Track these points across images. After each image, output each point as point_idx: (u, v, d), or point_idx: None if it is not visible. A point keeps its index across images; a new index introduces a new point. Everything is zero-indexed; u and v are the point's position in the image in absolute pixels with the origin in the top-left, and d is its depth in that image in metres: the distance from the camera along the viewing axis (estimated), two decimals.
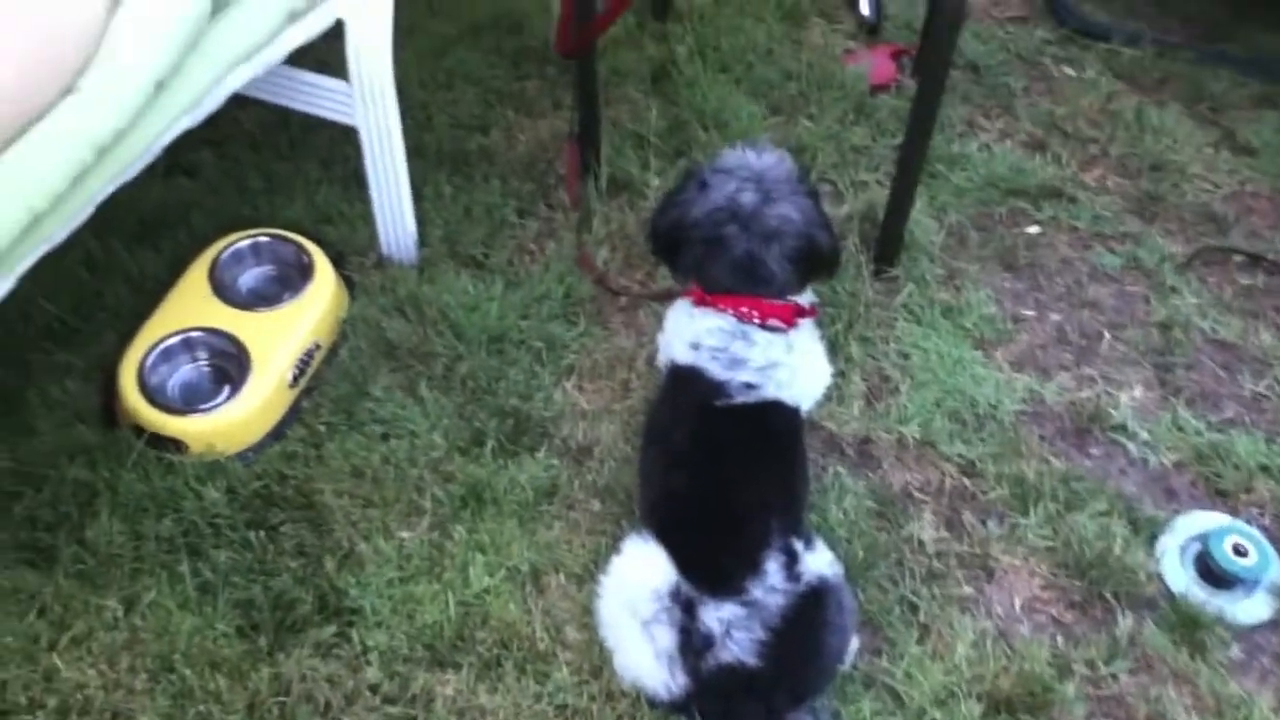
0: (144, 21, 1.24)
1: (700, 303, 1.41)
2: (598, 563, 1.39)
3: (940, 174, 1.94)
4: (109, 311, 1.63)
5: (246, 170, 1.86)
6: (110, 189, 1.24)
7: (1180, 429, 1.58)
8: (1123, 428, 1.57)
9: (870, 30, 2.22)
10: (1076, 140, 2.03)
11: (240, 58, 1.38)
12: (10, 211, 1.10)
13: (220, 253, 1.64)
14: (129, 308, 1.63)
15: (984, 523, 1.47)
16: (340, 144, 1.84)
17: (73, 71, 1.18)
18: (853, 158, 1.97)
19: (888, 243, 1.79)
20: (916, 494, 1.50)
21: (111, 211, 1.29)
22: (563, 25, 1.72)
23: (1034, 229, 1.88)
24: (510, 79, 2.08)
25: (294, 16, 1.46)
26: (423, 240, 1.76)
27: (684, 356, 1.39)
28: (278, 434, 1.52)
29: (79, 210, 1.20)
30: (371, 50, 1.53)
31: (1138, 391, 1.63)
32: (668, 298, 1.65)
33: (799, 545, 1.28)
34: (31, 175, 1.12)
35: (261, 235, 1.69)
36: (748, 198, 1.38)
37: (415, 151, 1.86)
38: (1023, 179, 1.94)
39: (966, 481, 1.51)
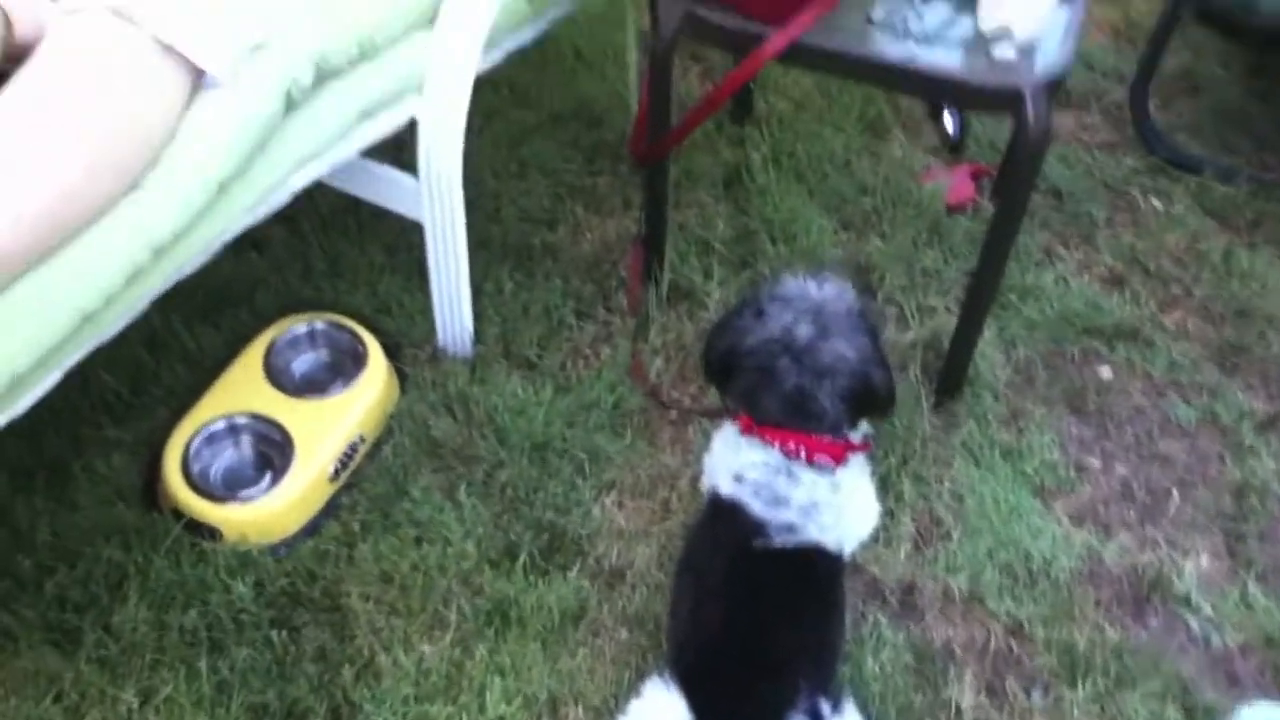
0: (215, 121, 1.25)
1: (747, 430, 1.38)
2: (619, 697, 1.35)
3: (1012, 304, 1.89)
4: (163, 388, 1.65)
5: (314, 251, 1.88)
6: (166, 285, 1.25)
7: (1249, 607, 1.49)
8: (1185, 600, 1.49)
9: (952, 148, 2.18)
10: (1158, 279, 1.96)
11: (308, 157, 1.39)
12: (61, 312, 1.10)
13: (277, 337, 1.66)
14: (184, 385, 1.64)
15: (1028, 692, 1.40)
16: (408, 232, 1.84)
17: (140, 170, 1.20)
18: (922, 281, 1.92)
19: (951, 375, 1.73)
20: (959, 652, 1.44)
21: (177, 287, 1.29)
22: (638, 130, 1.72)
23: (1106, 372, 1.81)
24: (583, 173, 2.09)
25: (366, 115, 1.47)
26: (478, 336, 1.76)
27: (726, 487, 1.36)
28: (313, 528, 1.52)
29: (132, 307, 1.21)
30: (443, 151, 1.54)
31: (1204, 560, 1.55)
32: (719, 415, 1.62)
33: (826, 707, 1.22)
34: (85, 275, 1.13)
35: (319, 321, 1.70)
36: (804, 330, 1.34)
37: (481, 243, 1.87)
38: (1098, 317, 1.87)
39: (1013, 643, 1.44)
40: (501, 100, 2.18)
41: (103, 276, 1.14)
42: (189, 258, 1.25)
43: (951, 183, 2.09)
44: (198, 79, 1.27)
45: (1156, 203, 2.12)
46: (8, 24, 1.18)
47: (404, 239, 1.88)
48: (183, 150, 1.22)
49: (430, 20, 1.53)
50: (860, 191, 2.07)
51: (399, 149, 1.59)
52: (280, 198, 1.38)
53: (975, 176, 2.10)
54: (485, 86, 1.67)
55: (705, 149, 2.12)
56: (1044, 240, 2.03)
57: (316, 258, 1.87)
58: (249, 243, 1.86)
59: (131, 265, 1.16)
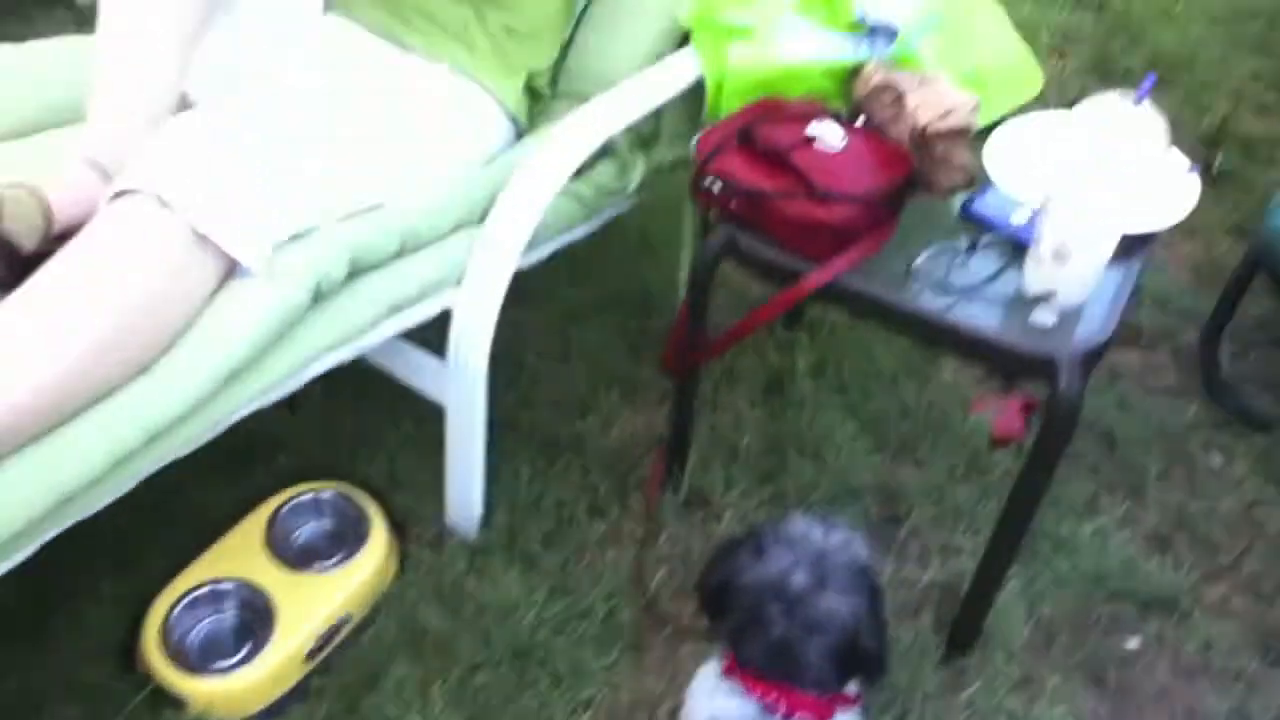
0: (234, 309, 1.27)
1: (729, 672, 1.32)
2: None
3: (1043, 555, 1.80)
4: (164, 543, 1.65)
5: (343, 415, 1.90)
6: (158, 467, 1.26)
7: None
8: None
9: (1006, 378, 2.12)
10: (1205, 545, 1.85)
11: (329, 347, 1.40)
12: (37, 490, 1.11)
13: (283, 504, 1.67)
14: (184, 542, 1.64)
15: None
16: (438, 406, 1.86)
17: (154, 355, 1.22)
18: (952, 518, 1.85)
19: (965, 627, 1.65)
20: None
21: None
22: (672, 340, 1.71)
23: (1133, 643, 1.70)
24: (624, 361, 2.09)
25: (397, 309, 1.49)
26: (487, 521, 1.75)
27: None
28: (278, 709, 1.49)
29: (118, 488, 1.22)
30: (473, 343, 1.55)
31: None
32: (714, 638, 1.56)
33: None
34: (67, 453, 1.13)
35: (326, 490, 1.71)
36: (799, 579, 1.29)
37: (508, 425, 1.87)
38: (1134, 582, 1.77)
39: None
40: (558, 279, 2.20)
41: (87, 457, 1.14)
42: (185, 442, 1.26)
43: (998, 415, 2.03)
44: (231, 267, 1.30)
45: (1216, 460, 2.02)
46: (48, 216, 1.24)
47: (434, 412, 1.88)
48: (195, 336, 1.24)
49: (480, 218, 1.55)
50: (902, 413, 2.03)
51: (435, 329, 1.60)
52: (295, 384, 1.40)
53: (1025, 411, 2.04)
54: (544, 264, 1.70)
55: (752, 350, 2.11)
56: (1088, 488, 1.94)
57: (344, 422, 1.89)
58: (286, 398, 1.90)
59: (121, 447, 1.16)
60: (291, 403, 1.87)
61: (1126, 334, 2.23)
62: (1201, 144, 2.71)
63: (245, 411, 1.34)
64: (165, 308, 1.22)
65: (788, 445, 1.93)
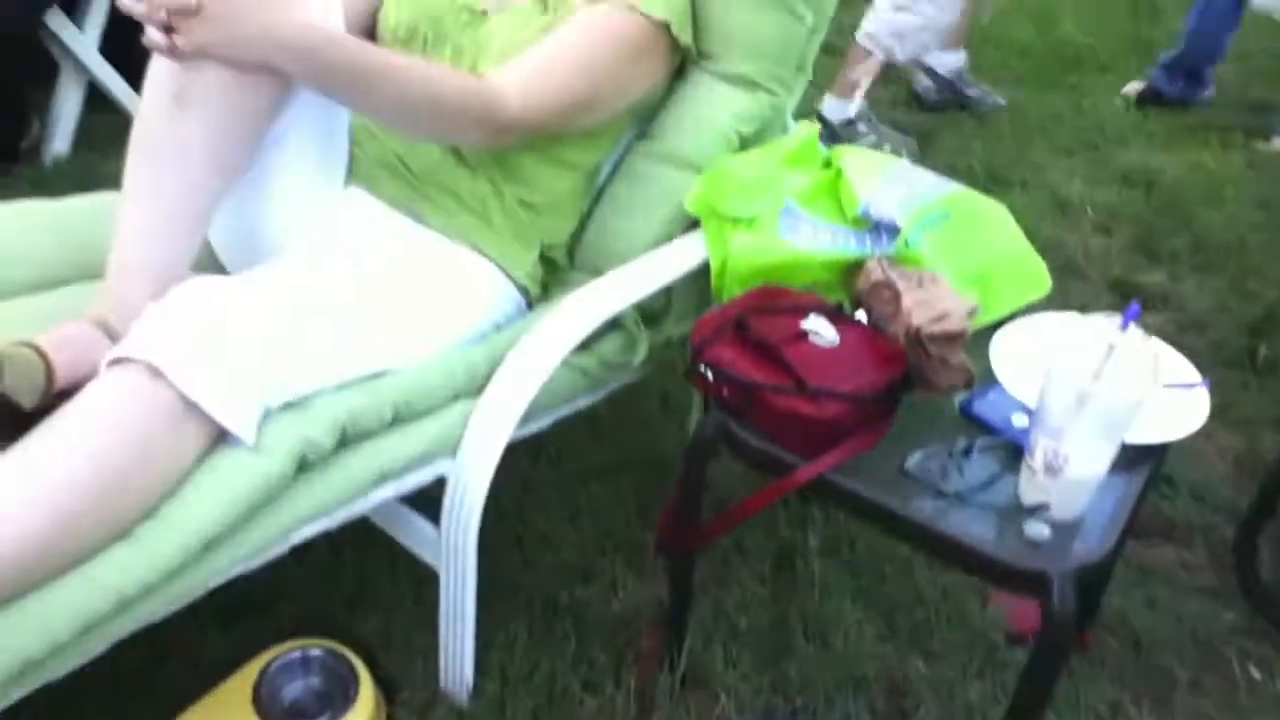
0: (213, 478, 1.28)
1: None
2: None
3: None
4: (155, 690, 1.65)
5: (346, 568, 1.91)
6: (129, 633, 1.27)
7: None
8: None
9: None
10: None
11: (313, 516, 1.41)
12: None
13: (272, 661, 1.66)
14: (175, 692, 1.62)
15: None
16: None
17: (132, 523, 1.24)
18: (963, 717, 1.77)
19: None
20: None
21: None
22: (665, 519, 1.69)
23: None
24: (635, 527, 2.06)
25: (385, 479, 1.50)
26: (479, 689, 1.72)
27: None
28: None
29: (86, 651, 1.23)
30: (466, 512, 1.55)
31: None
32: None
33: None
34: (33, 619, 1.13)
35: (316, 649, 1.69)
36: None
37: (509, 589, 1.86)
38: None
39: None
40: (573, 437, 2.19)
41: (53, 624, 1.14)
42: (156, 610, 1.26)
43: (1017, 608, 1.95)
44: (221, 433, 1.33)
45: (1254, 672, 1.91)
46: (50, 374, 1.29)
47: (434, 572, 1.88)
48: (173, 504, 1.25)
49: (479, 389, 1.56)
50: (915, 600, 1.96)
51: (435, 488, 1.59)
52: (278, 550, 1.41)
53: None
54: (561, 422, 1.72)
55: (763, 524, 2.07)
56: (1113, 694, 1.84)
57: (346, 578, 1.89)
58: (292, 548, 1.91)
59: (88, 614, 1.16)
60: (295, 549, 1.89)
61: (1160, 528, 2.15)
62: (1247, 332, 2.65)
63: (224, 578, 1.34)
64: (148, 474, 1.24)
65: (793, 627, 1.88)
